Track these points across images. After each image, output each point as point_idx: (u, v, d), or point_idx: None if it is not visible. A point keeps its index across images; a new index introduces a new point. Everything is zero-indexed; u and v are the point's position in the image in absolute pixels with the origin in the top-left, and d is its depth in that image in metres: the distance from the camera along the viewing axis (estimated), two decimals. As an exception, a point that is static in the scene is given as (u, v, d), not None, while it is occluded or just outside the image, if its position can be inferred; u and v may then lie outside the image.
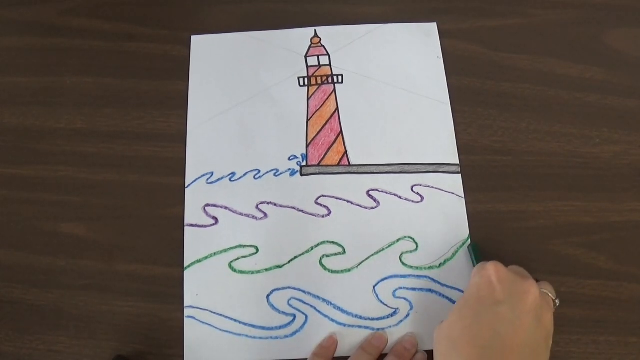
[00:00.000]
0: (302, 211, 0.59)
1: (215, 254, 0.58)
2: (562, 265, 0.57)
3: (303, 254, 0.58)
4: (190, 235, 0.59)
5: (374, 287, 0.56)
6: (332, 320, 0.55)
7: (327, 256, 0.58)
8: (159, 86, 0.65)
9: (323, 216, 0.59)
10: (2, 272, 0.58)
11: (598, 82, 0.65)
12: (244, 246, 0.58)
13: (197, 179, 0.61)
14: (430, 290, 0.56)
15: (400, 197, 0.60)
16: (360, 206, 0.60)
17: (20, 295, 0.57)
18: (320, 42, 0.67)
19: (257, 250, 0.58)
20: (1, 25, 0.69)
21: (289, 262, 0.58)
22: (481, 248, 0.57)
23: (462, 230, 0.58)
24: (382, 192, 0.60)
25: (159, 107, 0.64)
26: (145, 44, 0.67)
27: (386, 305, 0.56)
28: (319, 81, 0.65)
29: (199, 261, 0.58)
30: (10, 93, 0.65)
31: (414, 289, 0.56)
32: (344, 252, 0.58)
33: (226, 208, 0.60)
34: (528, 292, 0.46)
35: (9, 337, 0.56)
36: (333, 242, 0.58)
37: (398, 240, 0.58)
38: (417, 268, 0.57)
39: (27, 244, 0.59)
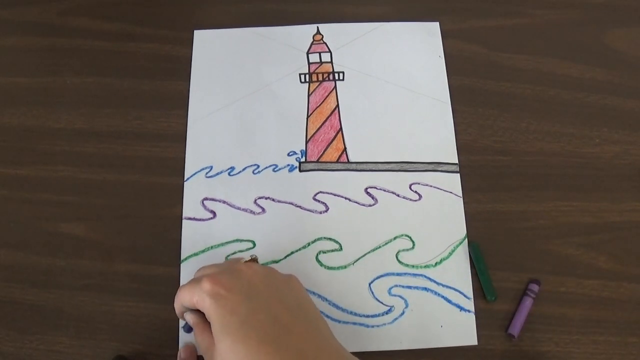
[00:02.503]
0: (300, 207, 0.59)
1: (212, 247, 0.58)
2: (562, 265, 0.57)
3: (300, 249, 0.58)
4: (187, 229, 0.59)
5: (369, 285, 0.56)
6: (327, 317, 0.55)
7: (324, 252, 0.58)
8: (159, 86, 0.65)
9: (321, 212, 0.59)
10: (2, 272, 0.58)
11: (598, 82, 0.65)
12: (241, 240, 0.58)
13: (196, 173, 0.61)
14: (425, 289, 0.56)
15: (398, 195, 0.60)
16: (358, 203, 0.60)
17: (20, 295, 0.57)
18: (322, 39, 0.67)
19: (254, 244, 0.58)
20: (1, 25, 0.69)
21: (285, 257, 0.58)
22: (481, 248, 0.57)
23: (459, 229, 0.58)
24: (381, 189, 0.60)
25: (159, 107, 0.64)
26: (145, 44, 0.67)
27: (381, 302, 0.56)
28: (320, 78, 0.65)
29: (195, 254, 0.58)
30: (10, 93, 0.65)
31: (409, 287, 0.56)
32: (341, 248, 0.58)
33: (224, 202, 0.60)
34: (250, 276, 0.47)
35: (9, 337, 0.56)
36: (330, 239, 0.58)
37: (395, 238, 0.58)
38: (413, 266, 0.57)
39: (27, 244, 0.59)
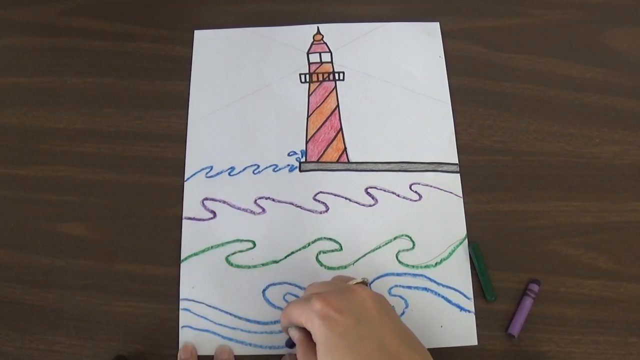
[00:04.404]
0: (300, 207, 0.59)
1: (212, 247, 0.58)
2: (562, 265, 0.57)
3: (300, 249, 0.58)
4: (188, 229, 0.59)
5: (369, 285, 0.56)
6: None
7: (324, 252, 0.58)
8: (159, 86, 0.65)
9: (321, 212, 0.59)
10: (2, 272, 0.58)
11: (598, 82, 0.65)
12: (241, 240, 0.58)
13: (196, 173, 0.61)
14: (425, 289, 0.56)
15: (398, 195, 0.60)
16: (358, 203, 0.60)
17: (20, 295, 0.57)
18: (322, 39, 0.67)
19: (254, 245, 0.58)
20: (1, 25, 0.69)
21: (285, 257, 0.58)
22: (481, 248, 0.57)
23: (460, 229, 0.58)
24: (381, 189, 0.60)
25: (159, 107, 0.64)
26: (145, 44, 0.67)
27: (382, 302, 0.56)
28: (320, 78, 0.65)
29: (195, 254, 0.58)
30: (10, 93, 0.65)
31: (409, 287, 0.56)
32: (341, 248, 0.58)
33: (224, 202, 0.60)
34: (364, 299, 0.45)
35: (9, 337, 0.56)
36: (330, 239, 0.58)
37: (395, 238, 0.58)
38: (413, 266, 0.57)
39: (27, 244, 0.59)
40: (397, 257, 0.57)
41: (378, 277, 0.57)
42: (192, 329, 0.55)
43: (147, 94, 0.65)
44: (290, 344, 0.51)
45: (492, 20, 0.68)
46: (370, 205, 0.60)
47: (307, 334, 0.46)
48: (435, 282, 0.56)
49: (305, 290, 0.50)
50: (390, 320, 0.45)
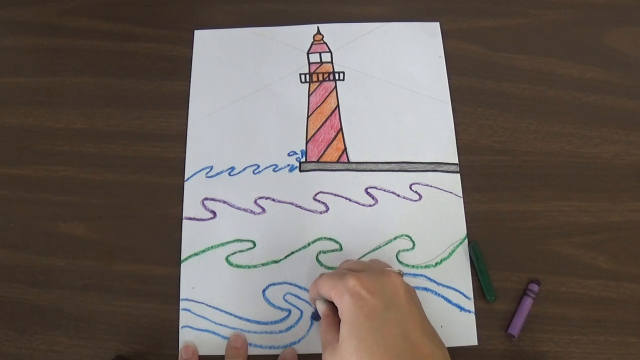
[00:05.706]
0: (300, 207, 0.59)
1: (212, 247, 0.58)
2: (562, 265, 0.57)
3: (300, 249, 0.58)
4: (188, 229, 0.59)
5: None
6: (327, 317, 0.55)
7: (324, 252, 0.58)
8: (159, 86, 0.65)
9: (321, 212, 0.59)
10: (2, 272, 0.58)
11: (598, 82, 0.65)
12: (242, 240, 0.58)
13: (196, 173, 0.61)
14: (426, 289, 0.56)
15: (398, 195, 0.60)
16: (358, 203, 0.60)
17: (20, 295, 0.57)
18: (322, 39, 0.67)
19: (254, 244, 0.58)
20: (1, 25, 0.69)
21: (285, 257, 0.58)
22: (481, 248, 0.57)
23: (460, 229, 0.58)
24: (381, 189, 0.60)
25: (159, 107, 0.64)
26: (145, 44, 0.67)
27: (382, 302, 0.56)
28: (321, 78, 0.65)
29: (195, 254, 0.58)
30: (10, 93, 0.65)
31: (409, 287, 0.56)
32: (341, 248, 0.58)
33: (225, 202, 0.60)
34: (396, 286, 0.46)
35: (9, 337, 0.56)
36: (330, 239, 0.58)
37: (395, 238, 0.58)
38: (413, 266, 0.57)
39: (27, 244, 0.59)
40: (397, 257, 0.57)
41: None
42: (192, 329, 0.55)
43: (147, 94, 0.65)
44: (316, 316, 0.51)
45: (492, 20, 0.68)
46: (370, 205, 0.59)
47: (333, 308, 0.47)
48: (435, 282, 0.56)
49: (340, 265, 0.51)
50: (418, 311, 0.45)
